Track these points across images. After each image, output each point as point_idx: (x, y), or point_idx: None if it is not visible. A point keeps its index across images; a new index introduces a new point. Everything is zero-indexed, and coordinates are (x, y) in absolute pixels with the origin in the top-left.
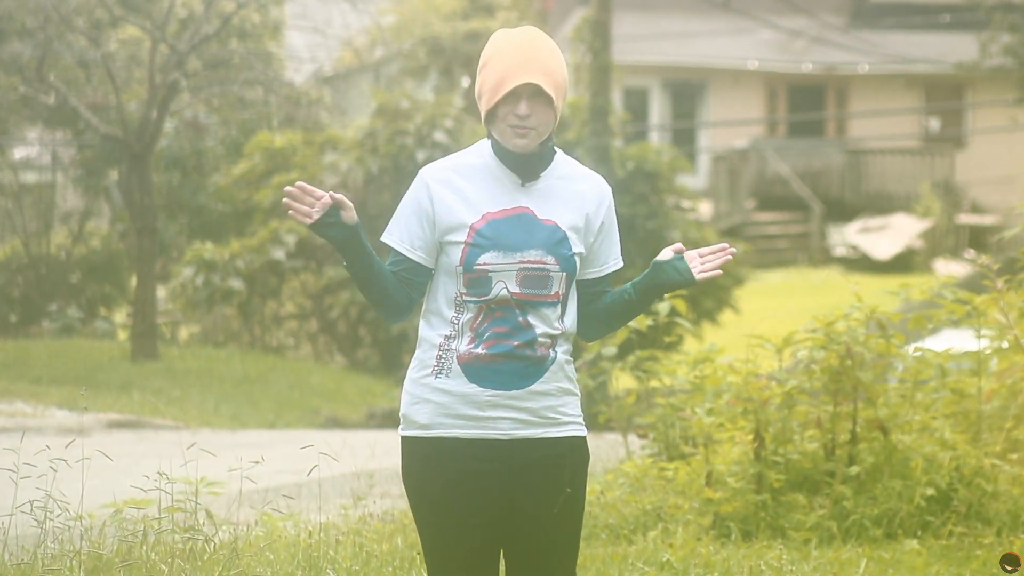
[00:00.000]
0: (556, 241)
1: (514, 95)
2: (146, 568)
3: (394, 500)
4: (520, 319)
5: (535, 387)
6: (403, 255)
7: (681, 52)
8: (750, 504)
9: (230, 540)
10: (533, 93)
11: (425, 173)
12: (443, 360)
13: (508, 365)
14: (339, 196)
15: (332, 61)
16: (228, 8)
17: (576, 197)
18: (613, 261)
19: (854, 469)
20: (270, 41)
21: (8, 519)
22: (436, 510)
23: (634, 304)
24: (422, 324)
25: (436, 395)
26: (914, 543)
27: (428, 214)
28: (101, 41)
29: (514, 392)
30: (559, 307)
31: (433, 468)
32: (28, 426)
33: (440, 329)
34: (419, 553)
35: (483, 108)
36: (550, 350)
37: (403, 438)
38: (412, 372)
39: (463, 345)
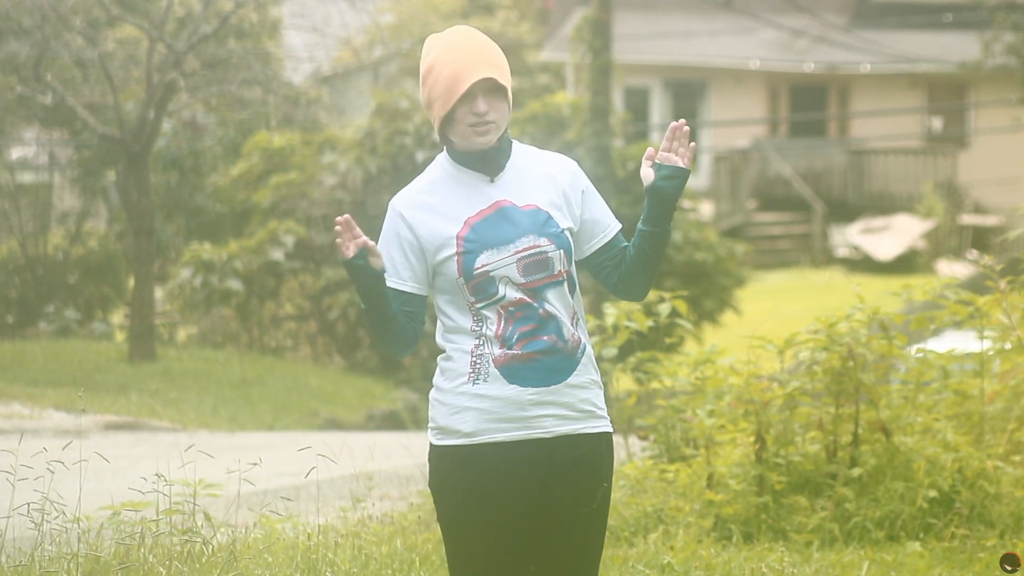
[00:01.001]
0: (542, 222)
1: (470, 94)
2: (144, 571)
3: (393, 502)
4: (540, 311)
5: (571, 380)
6: (396, 289)
7: (682, 51)
8: (751, 506)
9: (228, 542)
10: (488, 88)
11: (396, 204)
12: (478, 366)
13: (546, 361)
14: (371, 244)
15: (331, 60)
16: (226, 7)
17: (546, 176)
18: (614, 222)
19: (856, 471)
20: (268, 40)
21: (5, 521)
22: (475, 517)
23: (656, 235)
24: (443, 343)
25: (477, 402)
26: (916, 545)
27: (412, 243)
28: (98, 40)
29: (553, 387)
30: (566, 284)
31: (475, 475)
32: (25, 428)
33: (465, 342)
34: (418, 555)
35: (438, 114)
36: (579, 340)
37: (441, 448)
38: (444, 383)
39: (496, 349)
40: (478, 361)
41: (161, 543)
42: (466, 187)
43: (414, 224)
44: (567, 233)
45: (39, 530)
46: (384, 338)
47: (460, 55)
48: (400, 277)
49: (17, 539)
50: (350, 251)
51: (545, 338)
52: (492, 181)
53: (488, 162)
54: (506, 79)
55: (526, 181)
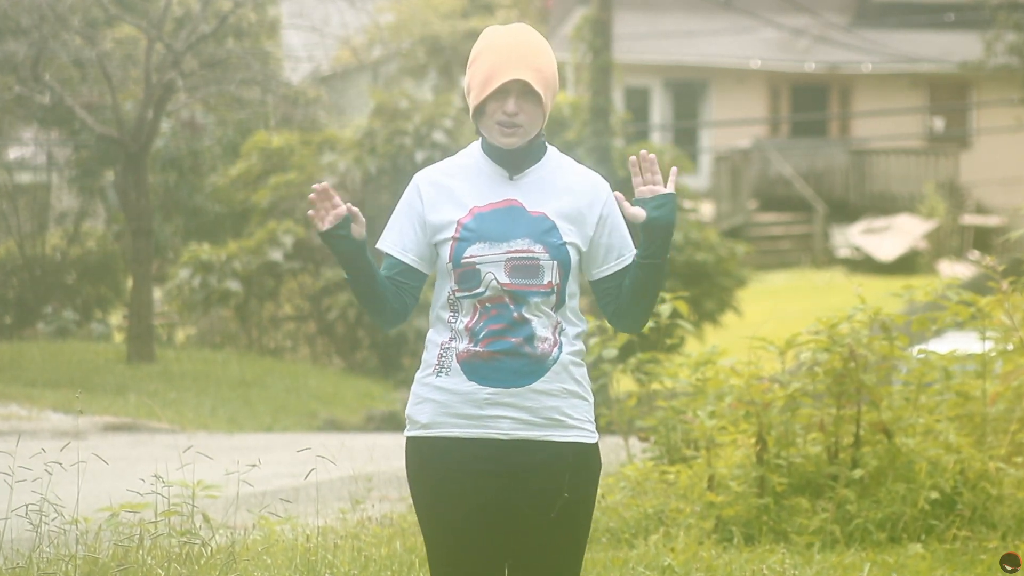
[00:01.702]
0: (544, 230)
1: (502, 92)
2: (142, 572)
3: (392, 504)
4: (515, 314)
5: (536, 385)
6: (396, 258)
7: (683, 51)
8: (752, 508)
9: (227, 544)
10: (522, 90)
11: (417, 177)
12: (444, 359)
13: (507, 362)
14: (355, 210)
15: (330, 60)
16: (225, 7)
17: (567, 190)
18: (629, 252)
19: (857, 472)
20: (267, 40)
21: (3, 523)
22: (436, 511)
23: (655, 266)
24: (430, 330)
25: (436, 394)
26: (918, 547)
27: (420, 216)
28: (97, 40)
29: (513, 390)
30: (553, 297)
31: (432, 468)
32: (23, 429)
33: (442, 333)
34: (417, 557)
35: (471, 104)
36: (553, 348)
37: (407, 439)
38: (417, 373)
39: (463, 344)
40: (444, 354)
41: (160, 545)
42: (485, 178)
43: (427, 201)
44: (569, 248)
45: (37, 532)
46: (367, 307)
47: (504, 52)
48: (404, 248)
49: (15, 541)
50: (325, 223)
51: (512, 339)
52: (511, 179)
53: (512, 160)
54: (543, 84)
55: (545, 188)
